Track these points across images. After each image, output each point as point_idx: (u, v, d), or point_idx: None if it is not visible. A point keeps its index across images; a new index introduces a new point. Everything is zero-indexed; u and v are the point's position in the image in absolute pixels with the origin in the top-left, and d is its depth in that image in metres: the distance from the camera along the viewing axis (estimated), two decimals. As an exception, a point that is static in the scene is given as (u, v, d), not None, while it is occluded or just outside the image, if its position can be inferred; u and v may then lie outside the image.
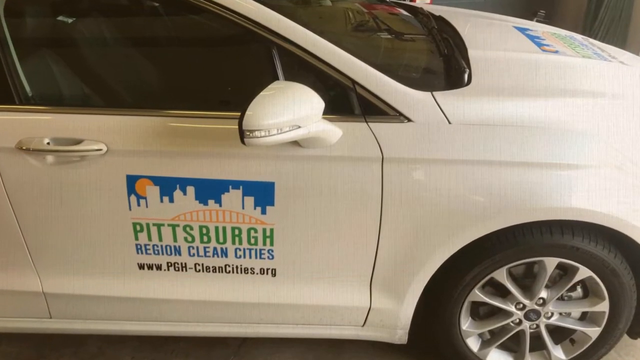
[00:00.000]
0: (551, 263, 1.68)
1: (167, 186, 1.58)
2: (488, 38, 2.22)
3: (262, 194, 1.58)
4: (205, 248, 1.69)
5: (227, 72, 1.72)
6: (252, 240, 1.67)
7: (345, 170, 1.56)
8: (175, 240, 1.67)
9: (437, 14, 2.42)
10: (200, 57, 1.87)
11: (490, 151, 1.54)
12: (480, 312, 1.86)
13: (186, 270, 1.73)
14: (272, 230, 1.64)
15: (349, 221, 1.61)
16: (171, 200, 1.60)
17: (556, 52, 2.05)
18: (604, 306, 1.76)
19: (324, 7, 2.41)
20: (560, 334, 1.89)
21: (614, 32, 4.71)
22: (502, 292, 1.78)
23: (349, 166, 1.55)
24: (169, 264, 1.73)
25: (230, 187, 1.58)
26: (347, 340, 1.92)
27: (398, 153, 1.54)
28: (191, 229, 1.65)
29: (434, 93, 1.59)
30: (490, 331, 1.89)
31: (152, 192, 1.59)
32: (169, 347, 2.09)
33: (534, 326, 1.83)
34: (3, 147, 1.56)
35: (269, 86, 1.44)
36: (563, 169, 1.55)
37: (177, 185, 1.58)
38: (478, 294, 1.74)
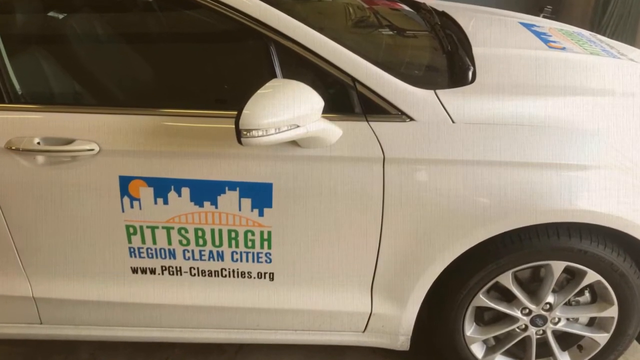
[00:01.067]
0: (558, 267, 1.67)
1: (162, 187, 1.58)
2: (493, 34, 2.22)
3: (260, 195, 1.58)
4: (200, 251, 1.69)
5: (223, 69, 1.72)
6: (249, 243, 1.66)
7: (346, 171, 1.55)
8: (169, 243, 1.67)
9: (440, 9, 2.42)
10: (196, 54, 1.87)
11: (494, 151, 1.54)
12: (485, 318, 1.86)
13: (181, 274, 1.73)
14: (269, 233, 1.64)
15: (349, 223, 1.61)
16: (165, 201, 1.60)
17: (563, 49, 2.05)
18: (612, 311, 1.76)
19: (323, 2, 2.41)
20: (567, 340, 1.89)
21: (622, 29, 4.71)
22: (507, 296, 1.78)
23: (349, 167, 1.55)
24: (164, 268, 1.72)
25: (226, 188, 1.58)
26: (348, 347, 1.92)
27: (400, 153, 1.54)
28: (186, 231, 1.65)
29: (437, 91, 1.59)
30: (495, 337, 1.89)
31: (146, 193, 1.59)
32: (164, 353, 2.09)
33: (541, 332, 1.83)
34: (-8, 147, 1.56)
35: (267, 84, 1.43)
36: (571, 170, 1.55)
37: (172, 187, 1.58)
38: (483, 299, 1.74)
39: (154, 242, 1.67)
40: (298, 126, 1.43)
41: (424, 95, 1.58)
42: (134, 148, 1.55)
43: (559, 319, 1.81)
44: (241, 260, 1.70)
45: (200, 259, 1.70)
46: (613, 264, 1.65)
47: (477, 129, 1.55)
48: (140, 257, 1.70)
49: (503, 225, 1.57)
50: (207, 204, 1.60)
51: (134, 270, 1.73)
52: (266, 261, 1.70)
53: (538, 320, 1.79)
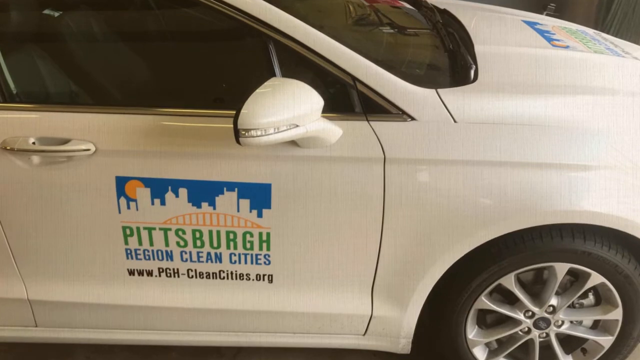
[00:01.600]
0: (561, 269, 1.67)
1: (159, 188, 1.58)
2: (495, 33, 2.22)
3: (258, 196, 1.58)
4: (198, 253, 1.69)
5: (221, 68, 1.72)
6: (248, 245, 1.66)
7: (346, 171, 1.55)
8: (167, 244, 1.67)
9: (441, 7, 2.42)
10: (194, 52, 1.87)
11: (497, 151, 1.54)
12: (488, 320, 1.86)
13: (178, 276, 1.73)
14: (268, 235, 1.64)
15: (349, 225, 1.61)
16: (163, 202, 1.60)
17: (567, 47, 2.05)
18: (617, 314, 1.76)
19: (323, 0, 2.40)
20: (571, 344, 1.89)
21: (627, 27, 4.71)
22: (510, 299, 1.78)
23: (349, 167, 1.55)
24: (161, 270, 1.72)
25: (224, 189, 1.58)
26: (348, 350, 1.92)
27: (401, 153, 1.54)
28: (184, 233, 1.65)
29: (439, 90, 1.59)
30: (497, 340, 1.89)
31: (143, 194, 1.59)
32: (161, 356, 2.09)
33: (544, 335, 1.83)
34: (-14, 147, 1.56)
35: (266, 83, 1.43)
36: (576, 170, 1.55)
37: (169, 187, 1.58)
38: (485, 301, 1.74)
39: (151, 244, 1.67)
40: (297, 126, 1.43)
41: (426, 94, 1.58)
42: (130, 148, 1.55)
43: (563, 322, 1.81)
44: (239, 262, 1.70)
45: (198, 261, 1.70)
46: (617, 265, 1.65)
47: (479, 129, 1.55)
48: (137, 258, 1.70)
49: (504, 226, 1.57)
50: (205, 204, 1.60)
51: (131, 272, 1.73)
52: (265, 263, 1.70)
53: (541, 323, 1.79)
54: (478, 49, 1.89)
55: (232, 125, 1.38)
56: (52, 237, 1.67)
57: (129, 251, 1.68)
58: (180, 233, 1.65)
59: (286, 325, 1.81)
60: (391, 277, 1.69)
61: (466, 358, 1.86)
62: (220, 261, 1.70)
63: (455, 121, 1.55)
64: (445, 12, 2.35)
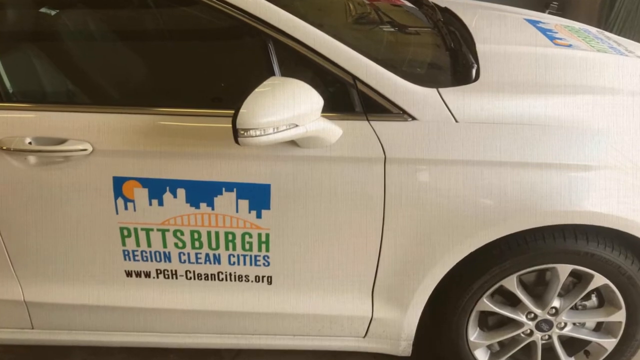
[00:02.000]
0: (564, 270, 1.67)
1: (157, 188, 1.58)
2: (497, 31, 2.22)
3: (258, 196, 1.58)
4: (196, 254, 1.69)
5: (220, 67, 1.72)
6: (247, 246, 1.66)
7: (346, 172, 1.55)
8: (165, 246, 1.67)
9: (443, 5, 2.42)
10: (192, 51, 1.87)
11: (498, 151, 1.54)
12: (489, 323, 1.86)
13: (176, 277, 1.73)
14: (267, 235, 1.64)
15: (349, 225, 1.61)
16: (160, 203, 1.60)
17: (569, 46, 2.05)
18: (620, 316, 1.76)
19: (323, -2, 2.40)
20: (573, 346, 1.89)
21: (630, 25, 4.71)
22: (512, 301, 1.78)
23: (349, 167, 1.55)
24: (159, 271, 1.72)
25: (223, 189, 1.58)
26: (348, 352, 1.92)
27: (401, 153, 1.54)
28: (182, 234, 1.65)
29: (440, 90, 1.59)
30: (499, 342, 1.89)
31: (141, 194, 1.59)
32: (159, 359, 2.08)
33: (546, 337, 1.83)
34: (-18, 147, 1.55)
35: (265, 82, 1.43)
36: (576, 170, 1.55)
37: (167, 188, 1.58)
38: (487, 303, 1.74)
39: (149, 245, 1.67)
40: (297, 125, 1.43)
41: (427, 93, 1.58)
42: (128, 148, 1.55)
43: (565, 324, 1.80)
44: (238, 263, 1.70)
45: (197, 262, 1.70)
46: (620, 267, 1.65)
47: (481, 129, 1.55)
48: (134, 260, 1.70)
49: (504, 227, 1.57)
50: (203, 205, 1.60)
51: (129, 274, 1.72)
52: (264, 264, 1.69)
53: (543, 325, 1.79)
54: (479, 47, 1.89)
55: (230, 125, 1.38)
56: (49, 238, 1.67)
57: (126, 252, 1.68)
58: (178, 234, 1.65)
59: (286, 327, 1.81)
60: (392, 278, 1.69)
61: (468, 360, 1.87)
62: (219, 262, 1.70)
63: (456, 121, 1.55)
64: (446, 11, 2.35)
